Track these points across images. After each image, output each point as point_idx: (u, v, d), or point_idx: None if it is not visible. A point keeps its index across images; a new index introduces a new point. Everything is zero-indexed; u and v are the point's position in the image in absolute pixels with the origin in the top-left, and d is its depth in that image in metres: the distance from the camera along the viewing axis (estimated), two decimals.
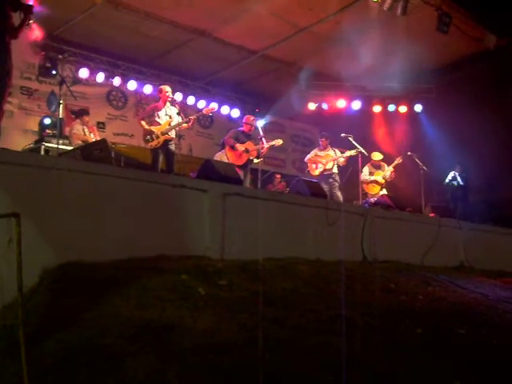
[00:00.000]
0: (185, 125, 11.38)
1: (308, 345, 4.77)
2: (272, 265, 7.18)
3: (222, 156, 12.63)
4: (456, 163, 15.50)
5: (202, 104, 16.71)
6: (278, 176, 16.51)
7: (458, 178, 15.44)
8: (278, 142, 12.89)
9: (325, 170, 13.82)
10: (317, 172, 13.88)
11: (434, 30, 12.30)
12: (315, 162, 13.94)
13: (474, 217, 13.10)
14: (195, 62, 15.82)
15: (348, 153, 13.61)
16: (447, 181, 15.52)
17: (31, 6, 7.89)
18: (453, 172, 15.48)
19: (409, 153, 13.96)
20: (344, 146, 13.86)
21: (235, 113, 17.69)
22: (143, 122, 11.35)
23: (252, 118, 13.13)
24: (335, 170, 13.87)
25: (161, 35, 14.13)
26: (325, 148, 14.04)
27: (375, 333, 5.20)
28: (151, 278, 5.80)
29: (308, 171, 14.16)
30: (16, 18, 7.76)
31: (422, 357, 4.90)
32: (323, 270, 7.45)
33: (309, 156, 14.20)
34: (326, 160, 13.84)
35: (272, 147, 12.88)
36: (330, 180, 13.76)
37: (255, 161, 13.08)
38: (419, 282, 8.08)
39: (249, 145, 12.43)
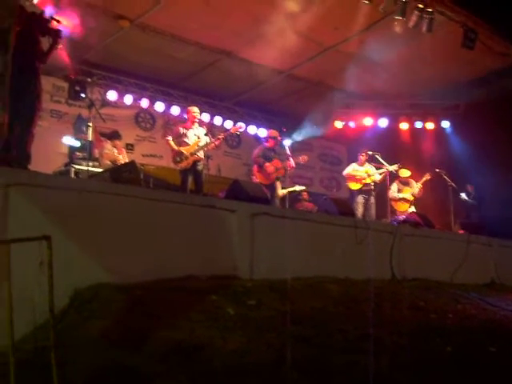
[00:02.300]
0: (212, 145, 11.47)
1: (336, 364, 4.75)
2: (301, 284, 7.17)
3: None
4: (467, 183, 15.34)
5: (229, 124, 16.76)
6: (305, 194, 16.48)
7: (468, 199, 15.30)
8: (304, 158, 12.97)
9: (365, 184, 13.85)
10: (357, 186, 13.91)
11: (459, 46, 12.26)
12: (354, 176, 13.97)
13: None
14: (222, 83, 15.91)
15: (384, 168, 13.70)
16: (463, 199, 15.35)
17: (60, 31, 8.01)
18: (463, 194, 15.31)
19: (437, 169, 13.91)
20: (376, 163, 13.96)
21: (262, 132, 17.74)
22: (172, 143, 11.45)
23: (275, 132, 13.21)
24: (372, 186, 13.94)
25: (187, 57, 14.24)
26: (362, 164, 14.08)
27: (404, 351, 5.17)
28: (180, 298, 5.83)
29: (347, 185, 14.23)
30: (45, 42, 7.90)
31: (452, 375, 4.87)
32: (352, 289, 7.44)
33: (348, 170, 14.24)
34: (365, 175, 13.87)
35: (298, 165, 12.95)
36: (368, 196, 13.82)
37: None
38: (449, 299, 8.02)
39: (276, 163, 12.46)
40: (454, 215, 13.64)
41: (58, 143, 12.63)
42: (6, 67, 6.67)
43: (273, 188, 12.44)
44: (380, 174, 13.86)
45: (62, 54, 9.34)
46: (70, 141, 11.98)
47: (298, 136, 16.59)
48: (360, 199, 13.76)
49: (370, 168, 14.02)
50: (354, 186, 14.03)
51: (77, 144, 11.83)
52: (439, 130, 17.35)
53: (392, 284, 8.59)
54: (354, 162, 14.52)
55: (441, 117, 17.29)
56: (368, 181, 13.84)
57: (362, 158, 14.11)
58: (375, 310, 6.24)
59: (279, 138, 13.02)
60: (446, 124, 17.30)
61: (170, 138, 11.67)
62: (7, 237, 5.24)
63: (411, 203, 14.19)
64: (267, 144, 12.90)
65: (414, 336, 5.73)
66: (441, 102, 16.88)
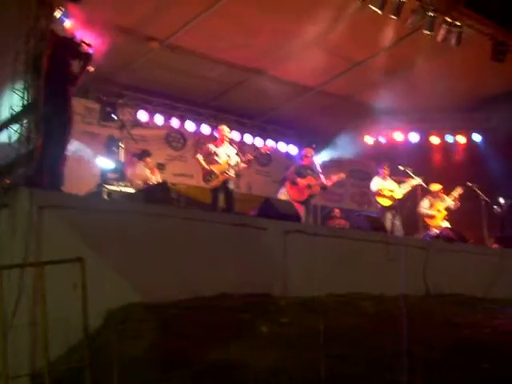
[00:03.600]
0: (243, 165, 11.54)
1: (374, 382, 4.71)
2: (334, 301, 7.15)
3: (285, 195, 12.72)
4: (499, 196, 15.09)
5: (259, 142, 16.78)
6: (337, 211, 16.40)
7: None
8: (341, 175, 12.98)
9: (394, 199, 13.72)
10: (387, 203, 13.76)
11: (489, 58, 12.19)
12: (383, 192, 13.81)
13: None
14: (251, 101, 15.94)
15: (410, 182, 13.64)
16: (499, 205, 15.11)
17: (90, 54, 8.11)
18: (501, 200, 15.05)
19: (469, 183, 13.79)
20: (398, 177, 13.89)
21: (292, 149, 17.75)
22: (202, 161, 11.52)
23: (311, 150, 13.21)
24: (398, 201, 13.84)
25: (217, 76, 14.30)
26: (385, 177, 13.96)
27: (441, 368, 5.11)
28: (214, 317, 5.83)
29: (376, 202, 14.06)
30: (75, 65, 8.00)
31: None
32: (386, 305, 7.38)
33: (377, 187, 13.97)
34: (392, 190, 13.75)
35: (335, 182, 12.94)
36: (395, 212, 13.70)
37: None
38: (484, 314, 7.91)
39: (310, 180, 12.46)
40: (487, 229, 13.49)
41: (90, 164, 12.72)
42: (38, 91, 6.78)
43: (307, 204, 12.45)
44: (405, 188, 13.76)
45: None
46: (103, 162, 12.08)
47: (328, 152, 16.53)
48: (388, 215, 13.61)
49: (393, 182, 13.92)
50: (384, 202, 13.86)
51: (109, 165, 11.92)
52: (471, 143, 17.19)
53: (426, 300, 8.51)
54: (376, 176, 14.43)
55: (472, 130, 17.13)
56: (395, 196, 13.72)
57: (385, 172, 14.01)
58: (411, 327, 6.16)
59: (313, 156, 13.05)
60: (477, 137, 17.13)
61: (200, 157, 11.74)
62: (41, 259, 5.30)
63: (444, 218, 14.05)
64: (302, 162, 12.95)
65: (451, 352, 5.66)
66: (472, 116, 16.73)
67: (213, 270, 6.81)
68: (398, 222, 13.64)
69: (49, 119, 6.93)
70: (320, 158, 14.19)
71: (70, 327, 5.04)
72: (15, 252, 5.51)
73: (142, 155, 12.67)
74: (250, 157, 11.88)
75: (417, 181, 13.70)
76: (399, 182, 13.86)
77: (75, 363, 4.74)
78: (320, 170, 12.68)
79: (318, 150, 14.56)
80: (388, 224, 13.31)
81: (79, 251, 4.97)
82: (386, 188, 13.76)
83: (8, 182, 6.65)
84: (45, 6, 7.24)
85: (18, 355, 5.09)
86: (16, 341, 5.08)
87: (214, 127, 14.08)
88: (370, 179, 14.65)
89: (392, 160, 14.73)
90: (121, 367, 4.63)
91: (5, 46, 7.71)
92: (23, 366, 5.14)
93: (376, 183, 14.01)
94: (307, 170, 12.68)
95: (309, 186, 12.41)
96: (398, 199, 13.75)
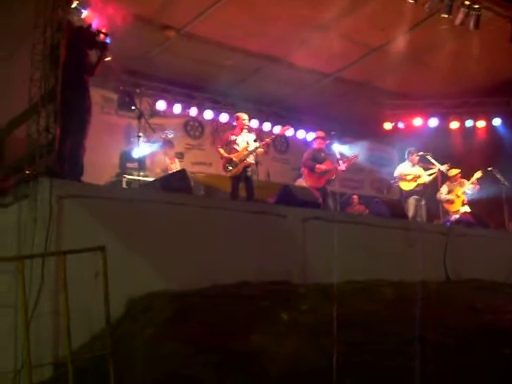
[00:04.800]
0: (261, 150, 11.50)
1: (390, 369, 4.70)
2: (354, 288, 7.13)
3: (303, 182, 12.70)
4: None
5: (277, 129, 16.72)
6: (356, 197, 16.37)
7: None
8: (356, 155, 12.97)
9: (417, 185, 13.65)
10: (409, 187, 13.69)
11: (508, 41, 12.06)
12: (406, 177, 13.74)
13: None
14: (269, 88, 15.88)
15: (435, 169, 13.56)
16: None
17: (107, 44, 8.13)
18: None
19: (489, 168, 13.68)
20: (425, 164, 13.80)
21: (311, 136, 17.68)
22: (222, 150, 11.52)
23: (322, 132, 13.21)
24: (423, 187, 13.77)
25: (234, 64, 14.25)
26: (415, 164, 13.85)
27: (461, 354, 5.10)
28: (234, 304, 5.84)
29: (398, 186, 14.01)
30: (93, 55, 8.02)
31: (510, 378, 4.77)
32: (406, 292, 7.35)
33: (400, 171, 13.94)
34: (416, 176, 13.67)
35: (348, 167, 12.92)
36: (419, 197, 13.62)
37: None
38: (505, 300, 7.86)
39: (327, 164, 12.44)
40: (508, 214, 13.40)
41: (109, 154, 12.76)
42: (56, 81, 6.81)
43: (324, 191, 12.42)
44: (430, 174, 13.67)
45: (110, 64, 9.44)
46: (123, 151, 12.12)
47: (347, 138, 16.43)
48: (411, 201, 13.52)
49: (420, 169, 13.84)
50: (406, 187, 13.79)
51: (128, 154, 11.95)
52: (490, 127, 17.04)
53: (446, 285, 8.48)
54: (403, 162, 14.33)
55: (492, 114, 16.97)
56: (420, 182, 13.64)
57: (416, 158, 13.88)
58: (430, 313, 6.14)
59: (327, 139, 13.02)
60: (497, 121, 16.98)
61: (220, 145, 11.77)
62: (63, 248, 5.34)
63: (464, 203, 13.95)
64: (315, 145, 12.93)
65: (471, 338, 5.64)
66: (491, 99, 16.59)
67: (233, 257, 6.82)
68: (422, 208, 13.59)
69: (67, 109, 6.96)
70: (339, 145, 14.08)
71: (92, 316, 5.08)
72: (36, 242, 5.55)
73: (164, 145, 12.69)
74: (268, 140, 11.88)
75: (440, 167, 13.60)
76: (426, 169, 13.77)
77: (98, 352, 4.77)
78: (339, 157, 12.67)
79: (337, 136, 14.49)
80: (411, 209, 13.27)
81: (100, 240, 5.00)
82: (411, 173, 13.67)
83: (28, 172, 6.69)
84: None
85: (40, 344, 5.13)
86: (39, 330, 5.13)
87: (232, 115, 14.04)
88: (389, 165, 14.58)
89: (411, 145, 14.63)
90: (143, 355, 4.66)
91: (22, 36, 7.74)
92: (46, 355, 5.18)
93: (401, 168, 13.95)
94: (321, 153, 12.67)
95: (326, 172, 12.39)
96: (422, 184, 13.66)
